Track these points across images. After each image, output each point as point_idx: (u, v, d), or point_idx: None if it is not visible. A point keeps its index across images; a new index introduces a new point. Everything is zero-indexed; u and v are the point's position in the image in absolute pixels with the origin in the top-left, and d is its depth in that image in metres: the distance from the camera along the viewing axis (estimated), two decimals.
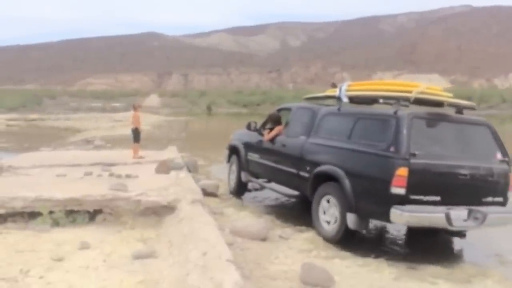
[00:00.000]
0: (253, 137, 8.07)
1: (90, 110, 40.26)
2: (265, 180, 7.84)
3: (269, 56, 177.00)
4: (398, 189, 4.84)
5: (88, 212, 5.64)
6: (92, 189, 6.07)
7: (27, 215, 5.48)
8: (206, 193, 7.49)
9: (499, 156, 5.43)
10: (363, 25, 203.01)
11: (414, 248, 6.01)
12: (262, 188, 8.38)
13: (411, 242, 6.30)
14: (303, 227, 6.32)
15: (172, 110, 46.58)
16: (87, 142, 16.94)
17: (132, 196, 5.73)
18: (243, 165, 8.20)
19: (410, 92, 5.46)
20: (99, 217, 5.68)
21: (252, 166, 8.01)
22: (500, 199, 5.38)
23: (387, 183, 4.89)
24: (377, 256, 5.23)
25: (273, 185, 7.48)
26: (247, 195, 8.56)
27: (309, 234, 5.90)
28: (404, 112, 5.24)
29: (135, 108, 11.28)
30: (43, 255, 4.39)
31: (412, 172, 4.84)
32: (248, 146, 8.17)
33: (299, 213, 7.26)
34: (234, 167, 8.56)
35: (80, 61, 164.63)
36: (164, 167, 8.15)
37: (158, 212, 5.73)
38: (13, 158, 10.02)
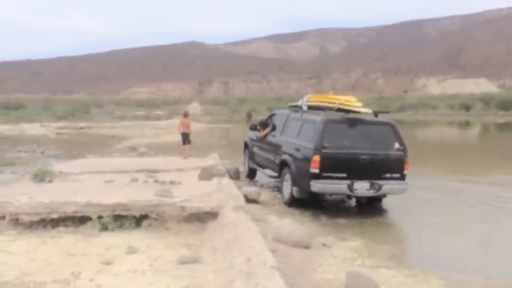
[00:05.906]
0: (256, 135, 10.54)
1: (134, 118, 41.21)
2: (262, 166, 10.00)
3: (308, 62, 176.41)
4: (314, 170, 7.26)
5: (135, 217, 5.79)
6: (138, 195, 6.24)
7: (77, 220, 5.69)
8: (248, 199, 7.52)
9: (396, 146, 7.57)
10: (405, 29, 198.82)
11: (464, 260, 5.77)
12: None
13: (462, 254, 6.05)
14: (346, 236, 6.25)
15: (213, 118, 47.04)
16: (132, 149, 17.36)
17: (177, 202, 5.84)
18: (250, 156, 10.85)
19: (335, 103, 8.10)
20: (145, 222, 5.82)
21: (255, 156, 10.52)
22: (397, 175, 7.56)
23: (308, 165, 7.33)
24: (424, 266, 5.07)
25: (266, 170, 9.66)
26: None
27: (353, 243, 5.81)
28: (323, 117, 7.65)
29: (185, 115, 12.75)
30: (93, 258, 4.55)
31: (323, 158, 7.23)
32: (253, 142, 10.70)
33: (342, 222, 7.18)
34: (246, 158, 11.17)
35: (125, 71, 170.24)
36: (207, 174, 8.26)
37: (202, 218, 5.81)
38: (64, 165, 10.45)
